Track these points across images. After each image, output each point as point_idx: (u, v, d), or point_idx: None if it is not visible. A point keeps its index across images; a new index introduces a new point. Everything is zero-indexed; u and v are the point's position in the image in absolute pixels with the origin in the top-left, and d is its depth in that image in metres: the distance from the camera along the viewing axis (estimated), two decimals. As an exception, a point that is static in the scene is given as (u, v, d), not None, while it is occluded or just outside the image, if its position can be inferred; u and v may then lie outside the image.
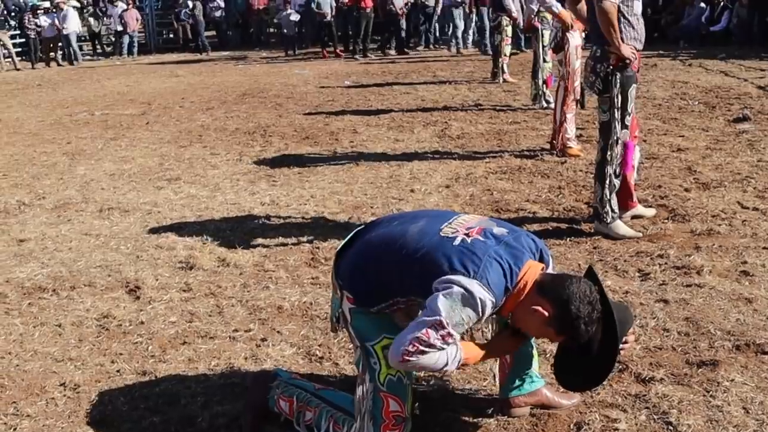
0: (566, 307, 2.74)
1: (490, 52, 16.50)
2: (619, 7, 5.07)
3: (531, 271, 2.82)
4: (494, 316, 3.01)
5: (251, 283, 4.86)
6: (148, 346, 4.04)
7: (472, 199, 6.45)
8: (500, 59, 13.28)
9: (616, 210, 5.40)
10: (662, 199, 6.18)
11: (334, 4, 21.28)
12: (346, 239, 3.16)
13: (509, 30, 13.20)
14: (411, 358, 2.69)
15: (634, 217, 5.71)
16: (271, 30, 26.90)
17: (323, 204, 6.54)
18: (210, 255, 5.41)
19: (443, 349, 2.71)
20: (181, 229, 6.08)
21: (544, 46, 11.32)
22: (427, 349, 2.68)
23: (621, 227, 5.40)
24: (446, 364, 2.75)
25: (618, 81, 5.17)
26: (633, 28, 5.20)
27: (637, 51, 5.25)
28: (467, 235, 2.85)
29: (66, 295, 4.83)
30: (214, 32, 27.45)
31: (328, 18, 21.12)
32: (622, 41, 5.12)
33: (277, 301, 4.54)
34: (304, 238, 5.66)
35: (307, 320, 4.29)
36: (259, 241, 5.68)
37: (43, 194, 7.42)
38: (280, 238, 5.73)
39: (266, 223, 6.13)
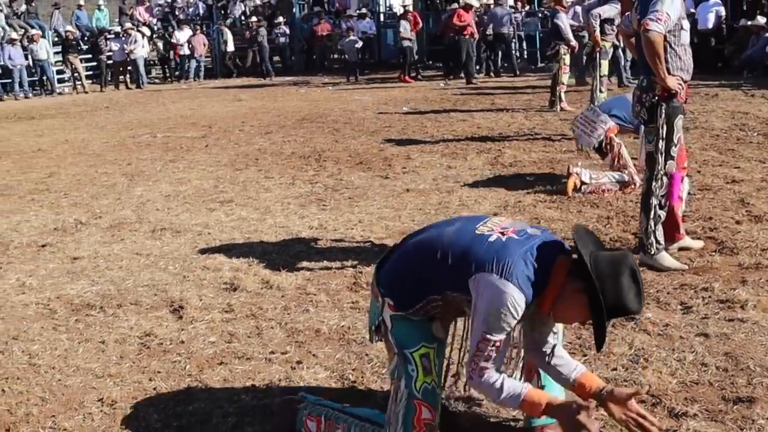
0: (604, 286, 2.80)
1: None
2: (665, 37, 5.04)
3: (562, 264, 2.90)
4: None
5: (292, 306, 4.92)
6: (186, 365, 4.12)
7: (518, 227, 6.44)
8: (558, 87, 13.23)
9: (662, 242, 5.34)
10: (712, 231, 6.08)
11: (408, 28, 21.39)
12: (388, 250, 3.29)
13: (567, 58, 13.15)
14: (474, 378, 2.91)
15: (681, 249, 5.64)
16: (335, 56, 27.17)
17: (370, 229, 6.59)
18: (254, 277, 5.49)
19: (500, 371, 2.91)
20: (228, 250, 6.19)
21: (601, 77, 11.30)
22: (486, 365, 2.87)
23: (666, 259, 5.34)
24: (504, 394, 2.89)
25: (663, 112, 5.13)
26: (680, 58, 5.17)
27: (685, 82, 5.21)
28: (502, 233, 2.95)
29: (112, 312, 4.95)
30: (278, 58, 27.84)
31: (409, 43, 21.23)
32: (669, 72, 5.08)
33: (316, 325, 4.59)
34: (348, 263, 5.70)
35: (343, 344, 4.33)
36: (304, 264, 5.75)
37: (100, 214, 7.62)
38: (325, 261, 5.79)
39: (312, 247, 6.20)
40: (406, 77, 20.89)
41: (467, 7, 19.08)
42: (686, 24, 5.23)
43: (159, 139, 12.70)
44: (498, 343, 2.85)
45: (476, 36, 19.67)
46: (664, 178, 5.27)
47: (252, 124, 13.82)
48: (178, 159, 10.56)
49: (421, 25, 22.83)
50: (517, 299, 2.79)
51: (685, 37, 5.19)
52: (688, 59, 5.25)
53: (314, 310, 4.83)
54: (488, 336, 2.84)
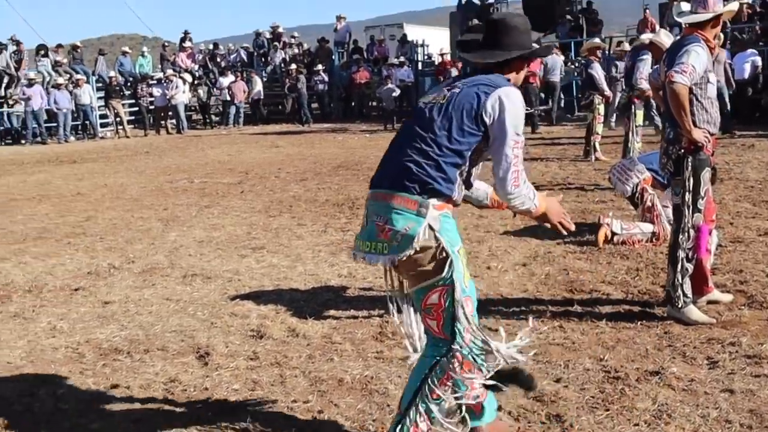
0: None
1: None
2: (691, 89, 5.05)
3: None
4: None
5: (317, 355, 4.94)
6: (208, 412, 4.14)
7: (547, 279, 6.42)
8: (592, 137, 13.23)
9: (689, 295, 5.30)
10: (742, 284, 6.02)
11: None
12: (376, 175, 3.50)
13: (601, 108, 13.18)
14: (516, 188, 3.42)
15: (709, 302, 5.58)
16: (373, 104, 27.43)
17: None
18: (281, 325, 5.53)
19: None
20: (257, 297, 6.24)
21: (637, 126, 11.28)
22: (521, 168, 3.42)
23: (693, 312, 5.29)
24: (532, 198, 3.54)
25: (690, 164, 5.13)
26: (706, 111, 5.17)
27: (711, 135, 5.21)
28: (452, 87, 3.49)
29: (139, 358, 5.00)
30: (317, 104, 28.18)
31: None
32: (695, 124, 5.09)
33: (339, 374, 4.60)
34: (375, 312, 5.71)
35: (365, 394, 4.33)
36: (331, 312, 5.77)
37: (134, 258, 7.72)
38: (352, 310, 5.81)
39: (340, 295, 6.23)
40: None
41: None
42: (713, 77, 5.24)
43: (196, 184, 12.88)
44: (523, 140, 3.39)
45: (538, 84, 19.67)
46: (691, 231, 5.24)
47: (288, 171, 13.97)
48: (214, 205, 10.69)
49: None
50: (517, 93, 3.41)
51: (712, 90, 5.19)
52: (715, 112, 5.25)
53: (338, 359, 4.85)
54: (518, 136, 3.36)
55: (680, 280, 5.27)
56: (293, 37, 30.84)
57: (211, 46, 31.74)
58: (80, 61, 27.59)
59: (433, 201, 3.28)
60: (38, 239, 8.82)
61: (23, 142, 23.64)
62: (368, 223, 3.38)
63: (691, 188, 5.17)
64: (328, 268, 7.06)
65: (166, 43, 32.90)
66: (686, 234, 5.24)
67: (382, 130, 22.10)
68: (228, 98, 26.93)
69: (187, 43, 29.95)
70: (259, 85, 27.25)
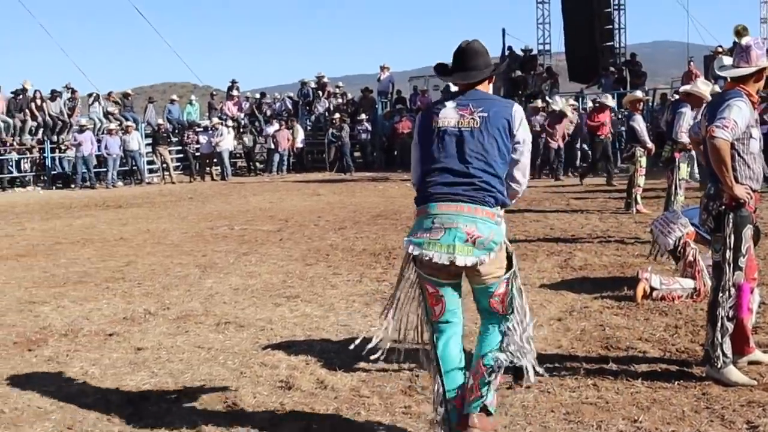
0: None
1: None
2: (733, 144, 4.98)
3: None
4: None
5: (344, 408, 4.89)
6: (231, 465, 4.11)
7: (582, 334, 6.31)
8: (633, 190, 13.13)
9: (729, 355, 5.17)
10: (784, 344, 5.87)
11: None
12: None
13: (643, 161, 13.09)
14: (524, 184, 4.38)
15: (750, 363, 5.43)
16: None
17: (431, 330, 6.55)
18: (310, 376, 5.48)
19: None
20: (288, 347, 6.20)
21: (680, 179, 11.15)
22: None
23: (733, 373, 5.16)
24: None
25: (731, 221, 5.04)
26: (749, 167, 5.09)
27: (754, 191, 5.12)
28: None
29: (166, 406, 4.99)
30: (359, 153, 28.35)
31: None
32: (737, 180, 5.01)
33: (366, 429, 4.54)
34: (405, 365, 5.63)
35: (391, 450, 4.27)
36: (361, 365, 5.70)
37: (169, 305, 7.76)
38: (382, 363, 5.69)
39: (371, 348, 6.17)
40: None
41: (602, 107, 18.79)
42: (756, 132, 5.15)
43: (236, 231, 12.97)
44: None
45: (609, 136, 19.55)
46: (732, 290, 5.13)
47: (327, 219, 14.02)
48: (252, 252, 10.74)
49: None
50: None
51: (754, 145, 5.11)
52: (758, 168, 5.17)
53: (365, 413, 4.79)
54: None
55: (720, 340, 5.14)
56: (338, 86, 31.15)
57: (258, 95, 32.14)
58: (130, 108, 28.14)
59: (501, 210, 4.12)
60: (78, 283, 8.90)
61: (73, 186, 24.09)
62: (446, 231, 4.00)
63: (732, 245, 5.07)
64: (360, 319, 7.02)
65: (215, 92, 33.41)
66: (727, 292, 5.12)
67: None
68: (272, 146, 27.22)
69: (234, 92, 30.38)
70: (301, 134, 27.53)
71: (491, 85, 4.45)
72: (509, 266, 4.16)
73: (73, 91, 26.04)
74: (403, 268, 4.37)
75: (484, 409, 4.10)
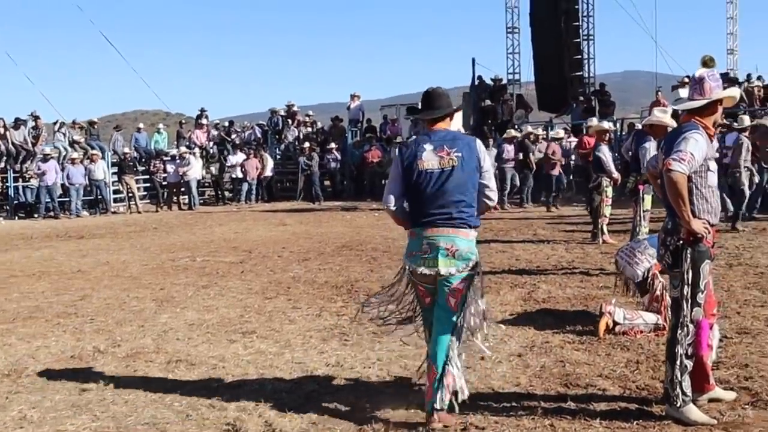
0: None
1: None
2: (690, 177, 4.87)
3: None
4: None
5: (290, 453, 4.69)
6: None
7: (542, 371, 6.15)
8: (600, 220, 13.06)
9: (689, 393, 5.02)
10: (746, 380, 5.73)
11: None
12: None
13: (609, 191, 13.03)
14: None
15: (711, 400, 5.30)
16: (384, 182, 27.38)
17: (387, 368, 6.37)
18: (258, 419, 5.28)
19: None
20: (239, 387, 6.00)
21: (644, 210, 11.07)
22: None
23: (693, 412, 5.01)
24: None
25: (689, 256, 4.91)
26: (706, 200, 4.98)
27: (712, 225, 5.00)
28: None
29: (105, 453, 4.76)
30: (329, 182, 28.19)
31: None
32: (694, 215, 4.89)
33: (311, 475, 4.34)
34: (358, 405, 5.47)
35: (336, 499, 4.07)
36: (312, 405, 5.52)
37: (120, 341, 7.52)
38: (335, 403, 5.56)
39: (325, 386, 5.99)
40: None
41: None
42: (713, 165, 5.05)
43: (197, 263, 12.73)
44: None
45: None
46: (690, 326, 4.99)
47: (292, 250, 13.82)
48: (211, 285, 10.51)
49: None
50: None
51: (712, 178, 5.01)
52: (716, 202, 5.06)
53: (312, 459, 4.59)
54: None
55: (679, 378, 5.00)
56: (308, 115, 31.00)
57: (226, 123, 31.96)
58: (96, 136, 27.79)
59: (474, 232, 5.22)
60: (29, 319, 8.63)
61: (36, 216, 23.67)
62: (432, 249, 5.11)
63: (690, 281, 4.95)
64: (316, 356, 6.82)
65: (184, 121, 33.17)
66: (685, 329, 4.99)
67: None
68: (241, 175, 27.01)
69: (203, 120, 30.16)
70: (270, 163, 27.35)
71: (452, 121, 5.42)
72: (474, 269, 5.21)
73: (37, 119, 25.64)
74: (400, 274, 5.51)
75: (438, 408, 5.02)
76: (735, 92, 5.38)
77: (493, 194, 5.29)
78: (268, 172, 27.43)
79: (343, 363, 6.57)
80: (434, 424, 4.93)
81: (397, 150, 5.60)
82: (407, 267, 5.31)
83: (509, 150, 22.12)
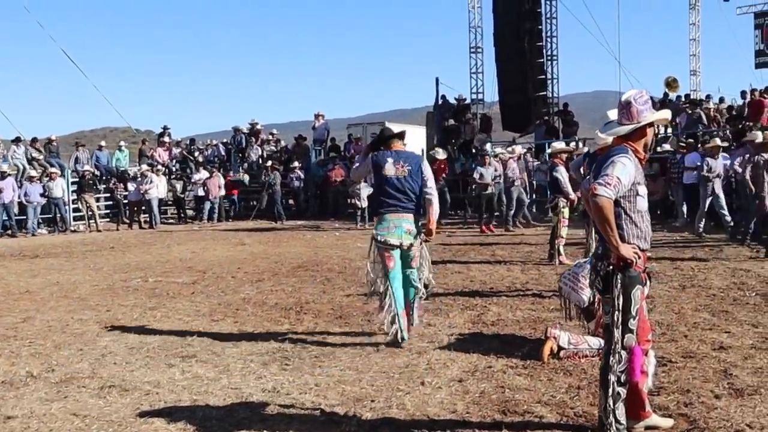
0: None
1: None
2: (619, 202, 4.79)
3: None
4: None
5: (211, 485, 4.52)
6: None
7: (481, 397, 6.02)
8: (556, 241, 13.00)
9: (622, 421, 4.91)
10: (686, 407, 5.64)
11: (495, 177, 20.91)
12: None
13: (566, 212, 12.99)
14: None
15: (647, 428, 5.20)
16: (351, 201, 27.26)
17: (324, 394, 6.21)
18: (183, 448, 5.11)
19: None
20: (170, 414, 5.82)
21: (596, 233, 11.04)
22: None
23: (627, 441, 4.91)
24: None
25: (619, 282, 4.82)
26: (636, 225, 4.89)
27: (642, 250, 4.91)
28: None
29: (17, 486, 4.57)
30: (293, 201, 28.01)
31: (490, 190, 20.64)
32: (623, 240, 4.80)
33: None
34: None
35: None
36: (241, 434, 5.36)
37: (55, 366, 7.31)
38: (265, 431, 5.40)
39: (258, 413, 5.82)
40: (487, 227, 20.30)
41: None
42: (642, 189, 4.95)
43: (149, 283, 12.53)
44: None
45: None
46: (623, 353, 4.89)
47: (246, 271, 13.64)
48: (159, 306, 10.31)
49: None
50: None
51: (642, 203, 4.92)
52: (646, 227, 4.97)
53: (232, 491, 4.43)
54: None
55: (612, 406, 4.89)
56: (271, 134, 30.87)
57: (188, 141, 31.75)
58: (56, 154, 27.45)
59: (415, 216, 7.78)
60: (-37, 343, 8.39)
61: (-8, 234, 23.26)
62: (396, 228, 7.66)
63: (620, 307, 4.85)
64: (253, 381, 6.65)
65: (146, 139, 32.89)
66: (617, 356, 4.88)
67: (353, 228, 21.87)
68: (203, 193, 26.77)
69: (166, 138, 29.92)
70: (221, 183, 27.03)
71: (406, 144, 8.34)
72: (419, 242, 7.87)
73: (-7, 137, 25.30)
74: (371, 246, 7.91)
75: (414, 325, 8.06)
76: (665, 114, 5.31)
77: (433, 191, 7.83)
78: (222, 191, 27.03)
79: (280, 389, 6.41)
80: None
81: (370, 156, 7.99)
82: (377, 239, 7.74)
83: (514, 167, 21.22)
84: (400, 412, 5.74)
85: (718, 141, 17.08)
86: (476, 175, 20.63)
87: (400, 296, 7.68)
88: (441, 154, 22.59)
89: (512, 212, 20.68)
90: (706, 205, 16.49)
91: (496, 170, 20.68)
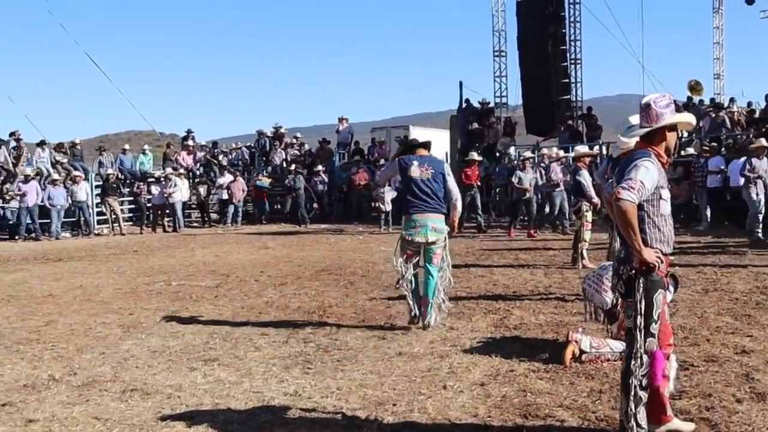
0: None
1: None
2: (642, 206, 4.74)
3: None
4: None
5: (231, 489, 4.52)
6: None
7: (502, 401, 5.98)
8: (580, 245, 12.92)
9: (644, 425, 4.85)
10: (707, 411, 5.57)
11: (534, 182, 20.87)
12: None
13: (589, 215, 12.93)
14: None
15: (669, 432, 5.15)
16: (374, 204, 27.29)
17: (346, 398, 6.19)
18: (204, 452, 5.10)
19: None
20: (191, 418, 5.81)
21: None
22: None
23: (649, 445, 4.85)
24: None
25: (641, 286, 4.77)
26: (659, 229, 4.84)
27: (665, 255, 4.86)
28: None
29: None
30: (317, 205, 28.04)
31: (529, 194, 20.65)
32: (646, 244, 4.75)
33: None
34: (307, 436, 5.30)
35: None
36: (261, 438, 5.35)
37: (77, 370, 7.33)
38: (285, 436, 5.39)
39: (279, 417, 5.81)
40: (532, 232, 20.15)
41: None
42: (666, 193, 4.90)
43: (172, 287, 12.56)
44: None
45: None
46: (645, 357, 4.84)
47: (270, 274, 13.65)
48: (182, 310, 10.33)
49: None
50: None
51: (665, 207, 4.87)
52: (669, 231, 4.92)
53: (252, 496, 4.42)
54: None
55: (633, 410, 4.84)
56: (295, 137, 30.95)
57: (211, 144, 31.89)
58: (80, 158, 27.64)
59: (443, 216, 8.53)
60: (-12, 345, 8.44)
61: (17, 237, 23.44)
62: (422, 227, 8.40)
63: (642, 311, 4.80)
64: (275, 385, 6.64)
65: (170, 142, 33.05)
66: (639, 360, 4.83)
67: (377, 232, 21.85)
68: (226, 197, 26.87)
69: (190, 142, 30.06)
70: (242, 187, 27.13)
71: (430, 151, 8.96)
72: (445, 240, 8.58)
73: (18, 140, 25.48)
74: (398, 243, 8.68)
75: (430, 324, 8.55)
76: (686, 117, 5.23)
77: (456, 190, 8.75)
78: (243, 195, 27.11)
79: (302, 392, 6.40)
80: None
81: (397, 159, 8.88)
82: (404, 238, 8.55)
83: (557, 171, 20.84)
84: (422, 415, 5.71)
85: (763, 141, 16.73)
86: (515, 179, 20.65)
87: (416, 283, 8.58)
88: (477, 157, 22.42)
89: (559, 216, 20.55)
90: (761, 206, 16.12)
91: (535, 173, 20.70)
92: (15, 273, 14.99)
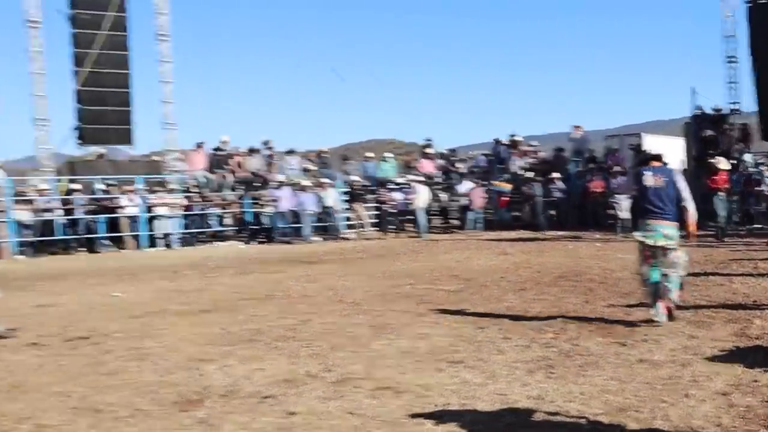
0: None
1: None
2: None
3: None
4: None
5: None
6: None
7: (746, 412, 5.85)
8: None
9: None
10: None
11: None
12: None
13: None
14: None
15: None
16: (611, 211, 26.78)
17: (588, 403, 6.27)
18: (453, 450, 5.35)
19: None
20: (439, 417, 6.08)
21: None
22: None
23: None
24: None
25: None
26: None
27: None
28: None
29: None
30: (554, 212, 27.86)
31: None
32: None
33: None
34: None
35: None
36: (508, 439, 5.53)
37: (332, 366, 7.82)
38: (530, 437, 5.55)
39: (523, 419, 5.98)
40: None
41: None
42: None
43: (418, 290, 13.01)
44: None
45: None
46: None
47: (510, 280, 13.85)
48: (428, 313, 10.70)
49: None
50: None
51: None
52: None
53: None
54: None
55: None
56: (531, 145, 30.94)
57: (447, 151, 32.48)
58: (327, 165, 29.05)
59: (675, 223, 9.24)
60: (249, 341, 9.15)
61: (272, 241, 24.96)
62: (654, 232, 9.14)
63: None
64: (519, 388, 6.82)
65: (411, 150, 33.95)
66: None
67: (614, 239, 21.44)
68: (467, 203, 27.30)
69: (429, 150, 30.79)
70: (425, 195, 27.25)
71: (662, 162, 9.76)
72: (677, 242, 9.23)
73: (270, 148, 27.23)
74: (638, 246, 9.46)
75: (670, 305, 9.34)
76: None
77: (690, 198, 9.29)
78: (422, 204, 27.17)
79: (545, 396, 6.54)
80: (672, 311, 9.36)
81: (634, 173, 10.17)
82: (639, 240, 9.39)
83: None
84: (665, 423, 5.70)
85: None
86: (765, 188, 19.71)
87: (655, 284, 9.29)
88: (723, 164, 21.54)
89: None
90: None
91: None
92: (273, 274, 16.08)
